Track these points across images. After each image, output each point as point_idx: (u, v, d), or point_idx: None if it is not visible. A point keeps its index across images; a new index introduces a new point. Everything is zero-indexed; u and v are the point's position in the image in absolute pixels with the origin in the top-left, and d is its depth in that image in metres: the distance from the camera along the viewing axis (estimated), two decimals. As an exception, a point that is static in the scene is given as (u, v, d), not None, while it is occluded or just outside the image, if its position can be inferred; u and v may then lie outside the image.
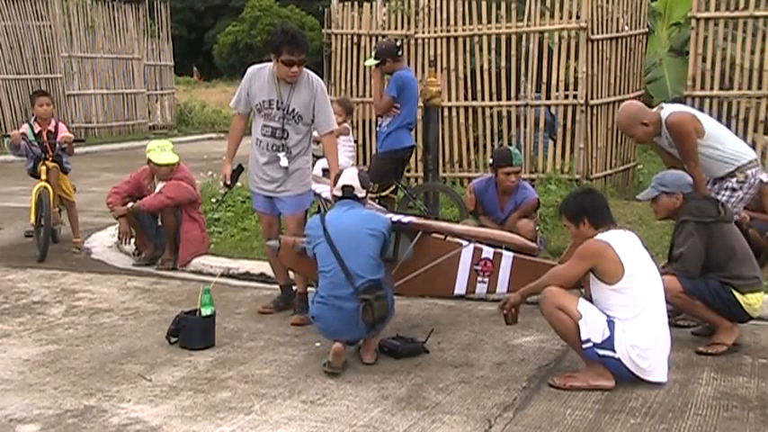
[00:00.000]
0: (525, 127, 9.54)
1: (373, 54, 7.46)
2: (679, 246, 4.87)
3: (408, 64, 8.39)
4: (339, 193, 4.81)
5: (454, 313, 5.70)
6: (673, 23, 13.35)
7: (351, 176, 4.83)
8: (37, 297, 6.16)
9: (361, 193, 4.81)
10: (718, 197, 5.19)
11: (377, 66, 7.30)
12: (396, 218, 5.02)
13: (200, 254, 7.16)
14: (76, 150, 8.39)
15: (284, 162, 5.38)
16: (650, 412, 3.96)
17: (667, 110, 5.37)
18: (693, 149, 5.22)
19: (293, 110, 5.34)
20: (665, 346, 4.32)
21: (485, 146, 9.77)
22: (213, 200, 8.66)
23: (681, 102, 8.41)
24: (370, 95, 9.86)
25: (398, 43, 7.60)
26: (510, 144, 9.34)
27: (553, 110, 9.78)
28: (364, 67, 10.24)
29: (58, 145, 7.68)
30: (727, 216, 4.92)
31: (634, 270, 4.22)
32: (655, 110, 5.49)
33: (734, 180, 5.30)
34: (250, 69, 5.49)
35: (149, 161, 7.19)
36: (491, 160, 6.30)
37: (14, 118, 17.17)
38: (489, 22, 9.66)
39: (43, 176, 7.59)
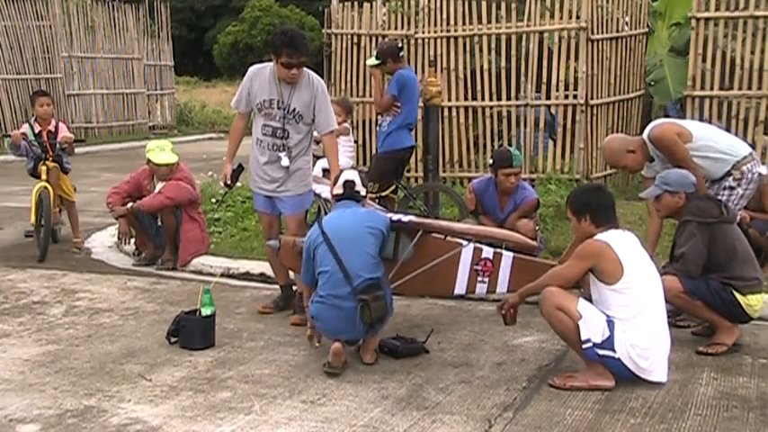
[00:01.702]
0: (525, 127, 9.54)
1: (374, 54, 7.47)
2: (681, 246, 4.87)
3: (408, 64, 8.40)
4: (340, 191, 4.83)
5: (454, 313, 5.70)
6: (673, 23, 13.35)
7: (352, 173, 4.88)
8: (37, 297, 6.16)
9: (361, 190, 4.83)
10: (719, 198, 5.19)
11: (377, 66, 7.31)
12: (396, 217, 5.03)
13: (200, 254, 7.16)
14: (76, 150, 8.39)
15: (285, 162, 5.38)
16: (650, 412, 3.96)
17: (647, 130, 5.44)
18: (685, 155, 5.24)
19: (294, 109, 5.34)
20: (665, 345, 4.32)
21: (485, 146, 9.77)
22: (213, 200, 8.66)
23: (682, 105, 8.42)
24: (371, 95, 9.88)
25: (399, 44, 7.61)
26: (510, 144, 9.36)
27: (553, 110, 9.78)
28: (364, 67, 10.25)
29: (58, 145, 7.68)
30: (730, 217, 4.92)
31: (633, 270, 4.22)
32: (636, 138, 5.56)
33: (730, 179, 5.30)
34: (251, 69, 5.50)
35: (149, 161, 7.19)
36: (491, 161, 6.30)
37: (14, 118, 17.16)
38: (489, 22, 9.67)
39: (43, 176, 7.59)
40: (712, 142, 5.32)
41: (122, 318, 5.61)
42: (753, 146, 7.43)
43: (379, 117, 7.60)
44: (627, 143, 5.56)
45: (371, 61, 7.45)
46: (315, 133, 5.66)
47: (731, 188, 5.30)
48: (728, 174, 5.30)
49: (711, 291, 4.77)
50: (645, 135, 5.43)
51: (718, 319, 4.84)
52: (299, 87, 5.33)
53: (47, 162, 7.64)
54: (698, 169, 5.22)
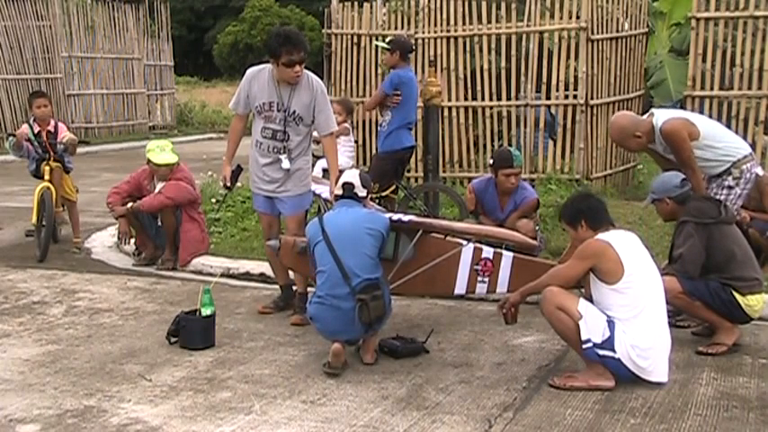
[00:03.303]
0: (525, 127, 9.54)
1: (387, 39, 7.52)
2: (679, 246, 4.88)
3: (409, 65, 8.41)
4: (340, 192, 4.83)
5: (454, 313, 5.70)
6: (673, 23, 13.36)
7: (352, 175, 4.89)
8: (37, 297, 6.16)
9: (361, 192, 4.83)
10: (717, 197, 5.20)
11: (384, 50, 7.41)
12: (396, 217, 5.03)
13: (200, 254, 7.16)
14: (77, 150, 8.37)
15: (286, 164, 5.38)
16: (650, 412, 3.96)
17: (660, 117, 5.36)
18: (690, 157, 5.24)
19: (294, 111, 5.33)
20: (666, 346, 4.32)
21: (485, 146, 9.77)
22: (213, 200, 8.66)
23: (682, 105, 8.39)
24: (370, 95, 9.87)
25: (413, 47, 7.64)
26: (510, 144, 9.37)
27: (553, 110, 9.78)
28: (364, 67, 10.27)
29: (61, 146, 7.64)
30: (728, 217, 4.91)
31: (634, 270, 4.22)
32: (646, 117, 5.50)
33: (730, 178, 5.30)
34: (249, 71, 5.48)
35: (149, 161, 7.18)
36: (491, 161, 6.29)
37: (14, 118, 17.14)
38: (489, 22, 9.67)
39: (46, 176, 7.58)
40: (715, 142, 5.31)
41: (122, 318, 5.61)
42: (753, 146, 7.44)
43: (380, 117, 7.61)
44: (636, 126, 5.43)
45: (382, 43, 7.53)
46: (314, 133, 5.66)
47: (730, 187, 5.30)
48: (728, 172, 5.30)
49: (710, 291, 4.77)
50: (656, 123, 5.36)
51: (717, 320, 4.84)
52: (298, 89, 5.32)
53: (50, 162, 7.64)
54: (698, 171, 5.23)
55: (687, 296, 4.78)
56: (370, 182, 4.99)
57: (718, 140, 5.34)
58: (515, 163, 6.14)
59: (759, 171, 5.45)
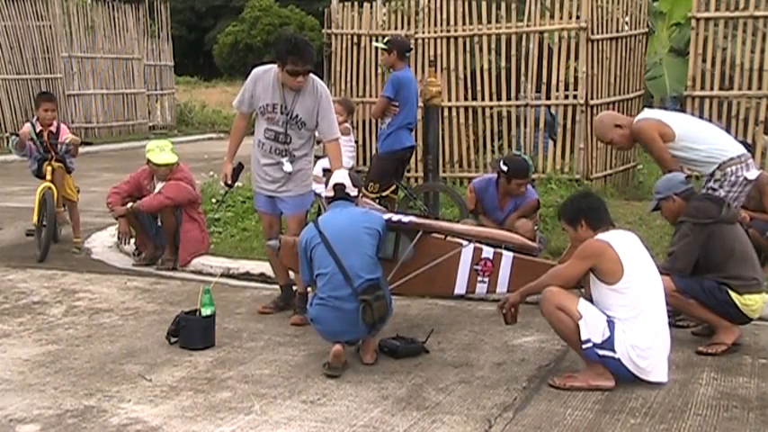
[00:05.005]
0: (525, 127, 9.54)
1: (385, 39, 7.55)
2: (673, 245, 4.89)
3: (408, 64, 8.42)
4: (331, 194, 4.84)
5: (454, 313, 5.70)
6: (673, 23, 13.37)
7: (341, 175, 4.89)
8: (37, 297, 6.16)
9: (353, 192, 4.84)
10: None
11: (382, 50, 7.47)
12: (396, 217, 5.03)
13: (199, 254, 7.16)
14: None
15: (288, 167, 5.39)
16: (650, 412, 3.96)
17: (638, 117, 5.51)
18: (660, 153, 5.31)
19: (297, 115, 5.33)
20: (665, 345, 4.31)
21: (484, 146, 9.78)
22: (213, 200, 8.66)
23: (682, 105, 8.40)
24: (371, 95, 9.89)
25: (411, 46, 7.66)
26: (510, 144, 9.38)
27: (553, 110, 9.78)
28: (364, 67, 10.27)
29: (64, 147, 7.64)
30: (729, 217, 4.90)
31: (633, 270, 4.22)
32: (628, 117, 5.64)
33: (713, 179, 5.30)
34: (255, 71, 5.48)
35: (149, 161, 7.19)
36: (505, 168, 6.17)
37: (14, 118, 17.14)
38: (489, 22, 9.67)
39: (48, 177, 7.57)
40: (694, 144, 5.31)
41: (122, 318, 5.61)
42: (753, 145, 7.44)
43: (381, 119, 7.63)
44: (616, 118, 5.63)
45: (380, 44, 7.57)
46: (316, 133, 5.66)
47: (713, 189, 5.29)
48: (713, 173, 5.31)
49: (705, 290, 4.76)
50: (634, 121, 5.51)
51: (715, 319, 4.84)
52: (302, 94, 5.31)
53: (52, 162, 7.63)
54: (673, 164, 5.29)
55: (681, 294, 4.77)
56: (359, 180, 5.01)
57: (700, 142, 5.32)
58: (530, 173, 6.22)
59: (749, 174, 5.32)
